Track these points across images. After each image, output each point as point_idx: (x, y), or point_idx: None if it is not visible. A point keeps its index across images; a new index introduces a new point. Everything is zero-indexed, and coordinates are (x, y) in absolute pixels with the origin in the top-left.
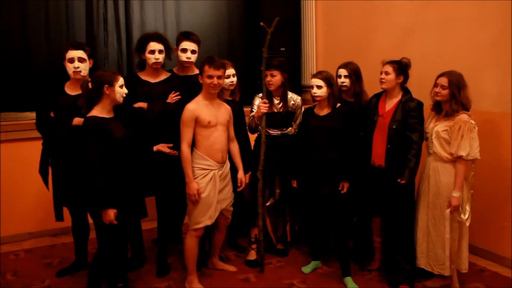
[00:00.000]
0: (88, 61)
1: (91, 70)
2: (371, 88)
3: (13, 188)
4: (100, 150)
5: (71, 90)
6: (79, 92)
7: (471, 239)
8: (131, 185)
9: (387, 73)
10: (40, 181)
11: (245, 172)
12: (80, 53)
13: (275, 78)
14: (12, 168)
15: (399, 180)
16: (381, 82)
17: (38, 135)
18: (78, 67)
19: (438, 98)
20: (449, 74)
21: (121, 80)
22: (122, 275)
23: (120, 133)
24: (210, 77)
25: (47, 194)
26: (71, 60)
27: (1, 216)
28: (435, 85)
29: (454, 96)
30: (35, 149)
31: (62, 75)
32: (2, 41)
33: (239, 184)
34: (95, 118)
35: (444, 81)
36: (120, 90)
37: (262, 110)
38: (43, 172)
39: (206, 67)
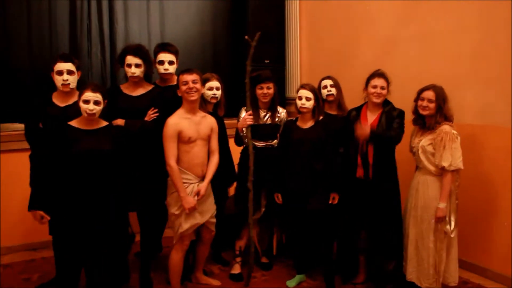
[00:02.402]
0: (76, 73)
1: (78, 82)
2: (354, 101)
3: None
4: (58, 157)
5: (60, 101)
6: (68, 103)
7: None
8: (94, 202)
9: (383, 88)
10: (20, 194)
11: (229, 184)
12: (69, 66)
13: (270, 91)
14: None
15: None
16: (377, 96)
17: (19, 146)
18: (67, 80)
19: (425, 113)
20: (434, 88)
21: (85, 96)
22: None
23: (86, 146)
24: (185, 83)
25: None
26: (60, 73)
27: None
28: (421, 99)
29: (440, 109)
30: (15, 161)
31: (47, 86)
32: None
33: (194, 195)
34: (65, 126)
35: (431, 94)
36: (82, 105)
37: (248, 122)
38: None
39: (180, 76)
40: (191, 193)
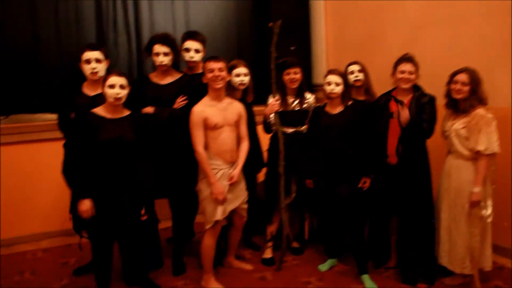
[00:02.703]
0: (104, 62)
1: (107, 70)
2: (381, 86)
3: (30, 188)
4: (84, 145)
5: (89, 90)
6: (97, 92)
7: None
8: (119, 189)
9: (411, 73)
10: (55, 182)
11: (259, 169)
12: (96, 54)
13: (298, 76)
14: (27, 170)
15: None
16: (405, 82)
17: (52, 136)
18: (95, 68)
19: (459, 96)
20: (467, 70)
21: (110, 80)
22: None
23: (110, 135)
24: (211, 70)
25: (63, 194)
26: (88, 62)
27: (19, 216)
28: (454, 82)
29: (474, 92)
30: (50, 150)
31: (76, 76)
32: (12, 43)
33: (228, 180)
34: (90, 114)
35: (464, 77)
36: (108, 90)
37: (274, 108)
38: (66, 173)
39: (206, 63)
40: (221, 179)
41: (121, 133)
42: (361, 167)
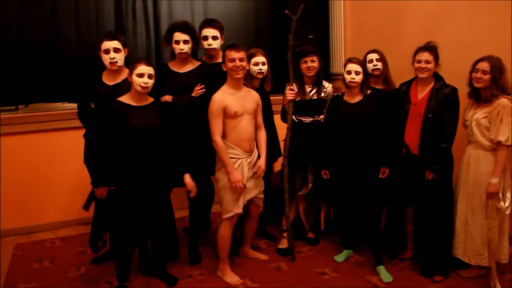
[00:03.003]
0: (123, 51)
1: (126, 59)
2: (401, 75)
3: (48, 177)
4: (111, 133)
5: (109, 80)
6: (117, 81)
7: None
8: (147, 176)
9: (428, 62)
10: (73, 171)
11: (275, 159)
12: (115, 44)
13: (315, 64)
14: (46, 158)
15: (428, 175)
16: (422, 71)
17: (71, 125)
18: (114, 58)
19: (479, 85)
20: (489, 59)
21: (140, 69)
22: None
23: (138, 122)
24: (232, 60)
25: (81, 183)
26: (107, 51)
27: (37, 205)
28: (475, 70)
29: (496, 81)
30: (69, 139)
31: (96, 65)
32: (32, 32)
33: (256, 170)
34: (116, 102)
35: (485, 66)
36: (136, 79)
37: (288, 97)
38: (88, 163)
39: (227, 52)
40: (239, 169)
41: (148, 120)
42: (380, 157)
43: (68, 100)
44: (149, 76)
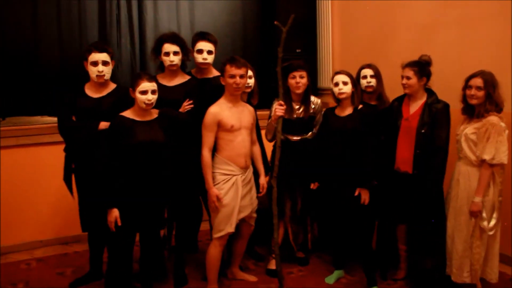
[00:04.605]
0: (111, 63)
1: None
2: (392, 90)
3: (26, 194)
4: (115, 149)
5: (93, 92)
6: (102, 94)
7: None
8: (149, 192)
9: (408, 78)
10: (53, 188)
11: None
12: (104, 56)
13: (303, 80)
14: (24, 174)
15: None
16: (404, 87)
17: (51, 139)
18: (102, 71)
19: (474, 102)
20: (482, 74)
21: (142, 86)
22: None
23: (143, 137)
24: (232, 76)
25: (60, 201)
26: (95, 64)
27: (13, 223)
28: (468, 87)
29: (490, 96)
30: (46, 154)
31: (78, 77)
32: (12, 41)
33: (261, 190)
34: (120, 117)
35: (478, 82)
36: (140, 96)
37: (277, 113)
38: (67, 180)
39: (228, 67)
40: (234, 186)
41: (153, 135)
42: (358, 177)
43: (48, 114)
44: (153, 92)
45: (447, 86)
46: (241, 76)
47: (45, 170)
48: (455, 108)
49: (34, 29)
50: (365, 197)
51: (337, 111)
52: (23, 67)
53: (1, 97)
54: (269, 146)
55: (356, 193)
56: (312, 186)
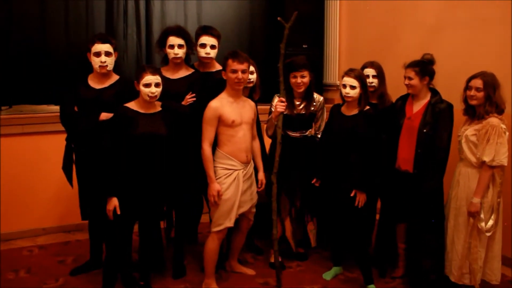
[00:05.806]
0: (114, 55)
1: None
2: (396, 89)
3: (29, 182)
4: (118, 138)
5: (95, 83)
6: (104, 85)
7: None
8: (150, 183)
9: (410, 78)
10: (56, 176)
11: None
12: (107, 47)
13: (305, 79)
14: (27, 163)
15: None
16: (407, 87)
17: (55, 128)
18: (105, 62)
19: (473, 102)
20: (482, 75)
21: (146, 79)
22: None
23: (146, 129)
24: (234, 71)
25: (63, 189)
26: (98, 54)
27: (16, 210)
28: (468, 88)
29: (489, 98)
30: (51, 143)
31: (83, 67)
32: (20, 32)
33: (259, 185)
34: (124, 108)
35: (478, 83)
36: (143, 89)
37: (278, 110)
38: (66, 169)
39: (230, 61)
40: (235, 181)
41: (155, 128)
42: (354, 178)
43: (53, 103)
44: (156, 85)
45: (453, 86)
46: (243, 71)
47: (49, 159)
48: (460, 108)
49: (42, 19)
50: (360, 199)
51: (343, 109)
52: (30, 56)
53: (8, 85)
54: (268, 142)
55: (352, 194)
56: (314, 181)
